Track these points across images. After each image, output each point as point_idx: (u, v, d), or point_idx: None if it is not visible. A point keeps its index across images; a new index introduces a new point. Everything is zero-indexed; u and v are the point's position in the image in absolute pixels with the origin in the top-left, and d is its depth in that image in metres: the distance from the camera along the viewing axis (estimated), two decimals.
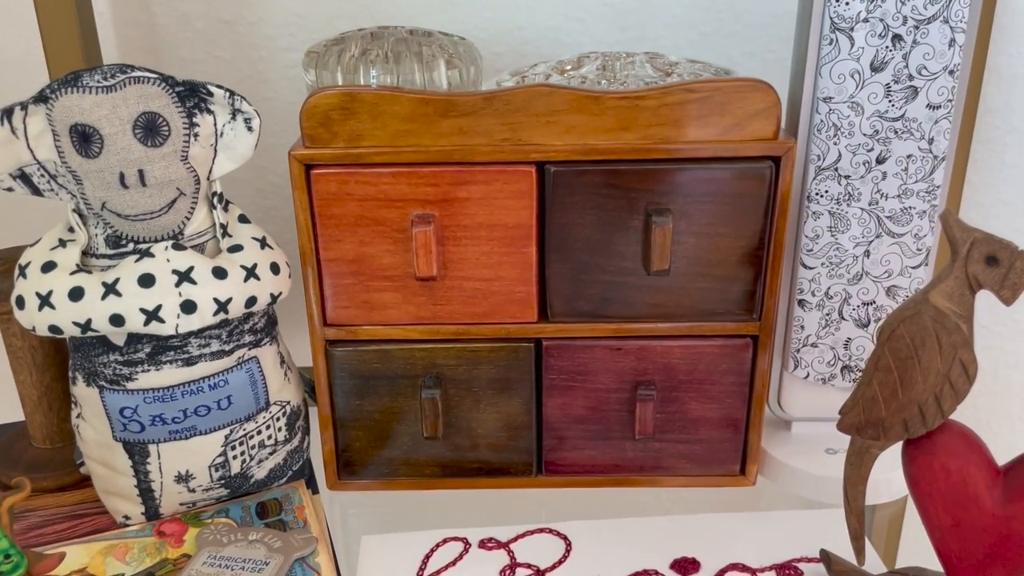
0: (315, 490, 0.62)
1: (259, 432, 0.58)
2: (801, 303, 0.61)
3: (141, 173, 0.49)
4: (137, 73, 0.49)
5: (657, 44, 0.76)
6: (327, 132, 0.54)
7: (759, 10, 0.75)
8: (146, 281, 0.50)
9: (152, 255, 0.51)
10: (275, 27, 0.76)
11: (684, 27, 0.76)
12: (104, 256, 0.52)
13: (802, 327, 0.62)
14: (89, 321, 0.50)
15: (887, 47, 0.55)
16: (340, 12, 0.76)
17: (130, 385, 0.53)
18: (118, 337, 0.52)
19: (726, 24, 0.75)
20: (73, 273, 0.51)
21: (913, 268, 0.60)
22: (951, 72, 0.55)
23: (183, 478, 0.56)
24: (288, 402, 0.59)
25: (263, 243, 0.55)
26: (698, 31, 0.76)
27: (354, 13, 0.76)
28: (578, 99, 0.53)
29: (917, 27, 0.54)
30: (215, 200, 0.54)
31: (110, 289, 0.50)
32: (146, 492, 0.57)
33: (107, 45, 0.76)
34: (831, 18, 0.54)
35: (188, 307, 0.51)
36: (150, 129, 0.49)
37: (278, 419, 0.59)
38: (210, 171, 0.53)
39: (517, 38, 0.76)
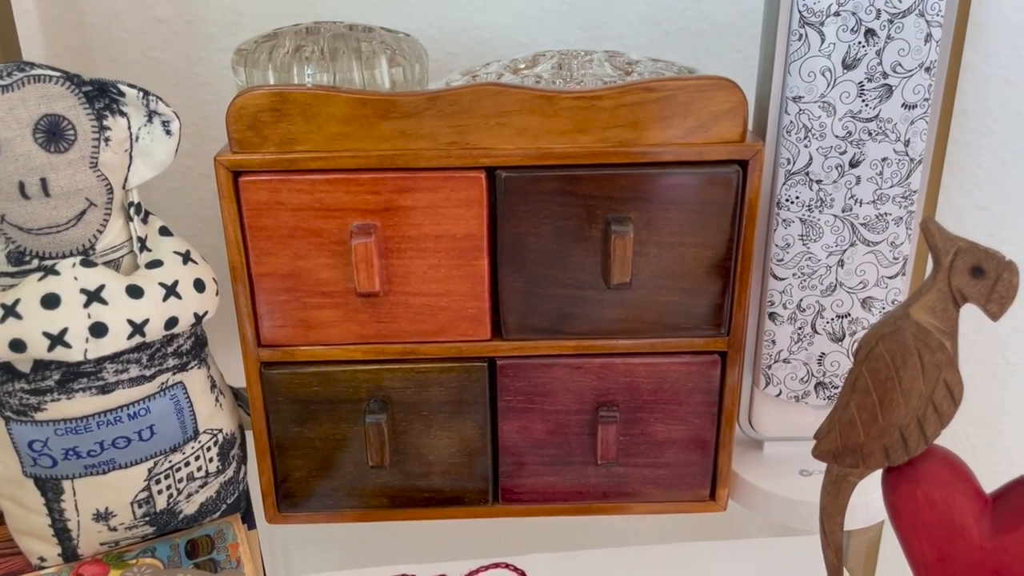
0: (252, 525, 0.57)
1: (187, 464, 0.53)
2: (772, 316, 0.57)
3: (44, 182, 0.45)
4: (37, 71, 0.44)
5: (619, 43, 0.72)
6: (256, 136, 0.50)
7: (725, 7, 0.72)
8: (50, 302, 0.45)
9: (57, 273, 0.46)
10: (214, 26, 0.71)
11: (647, 25, 0.72)
12: (5, 274, 0.47)
13: (773, 342, 0.58)
14: None
15: (860, 43, 0.51)
16: (284, 10, 0.71)
17: (39, 416, 0.48)
18: (23, 363, 0.47)
19: (691, 22, 0.72)
20: None
21: (890, 278, 0.56)
22: (927, 69, 0.52)
23: (102, 516, 0.51)
24: (220, 430, 0.55)
25: (186, 257, 0.50)
26: (662, 29, 0.72)
27: (299, 11, 0.71)
28: (530, 99, 0.49)
29: (891, 21, 0.51)
30: (132, 211, 0.49)
31: (9, 311, 0.45)
32: (62, 532, 0.52)
33: (32, 46, 0.72)
34: (800, 12, 0.51)
35: (98, 330, 0.46)
36: (53, 133, 0.44)
37: (209, 449, 0.54)
38: (125, 179, 0.48)
39: (472, 37, 0.72)
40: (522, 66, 0.57)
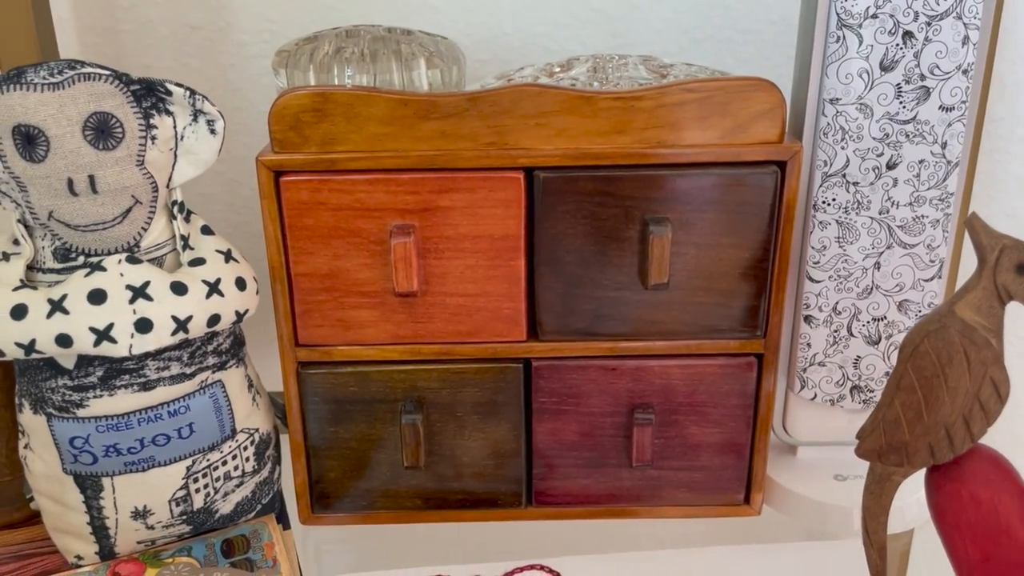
0: (286, 525, 0.57)
1: (224, 463, 0.53)
2: (807, 319, 0.57)
3: (92, 179, 0.45)
4: (87, 69, 0.45)
5: (648, 50, 0.73)
6: (298, 136, 0.50)
7: (754, 15, 0.72)
8: (97, 297, 0.46)
9: (104, 269, 0.46)
10: (246, 33, 0.72)
11: (676, 32, 0.73)
12: (52, 271, 0.47)
13: (809, 345, 0.58)
14: (33, 342, 0.46)
15: (897, 45, 0.51)
16: (316, 17, 0.72)
17: (81, 412, 0.48)
18: (67, 359, 0.48)
19: (720, 30, 0.72)
20: (16, 289, 0.46)
21: (926, 281, 0.56)
22: (965, 72, 0.52)
23: (140, 514, 0.52)
24: (256, 429, 0.55)
25: (228, 256, 0.51)
26: (690, 37, 0.73)
27: (331, 19, 0.72)
28: (569, 100, 0.50)
29: (929, 23, 0.51)
30: (175, 209, 0.49)
31: (56, 306, 0.45)
32: (100, 530, 0.52)
33: (68, 52, 0.73)
34: (838, 14, 0.51)
35: (143, 326, 0.46)
36: (102, 131, 0.45)
37: (245, 448, 0.54)
38: (170, 178, 0.49)
39: (502, 44, 0.73)
40: (557, 70, 0.58)
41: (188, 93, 0.47)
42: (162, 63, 0.73)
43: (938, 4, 0.50)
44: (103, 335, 0.46)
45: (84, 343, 0.46)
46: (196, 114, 0.48)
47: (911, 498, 0.57)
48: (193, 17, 0.72)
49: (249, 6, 0.71)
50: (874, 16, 0.51)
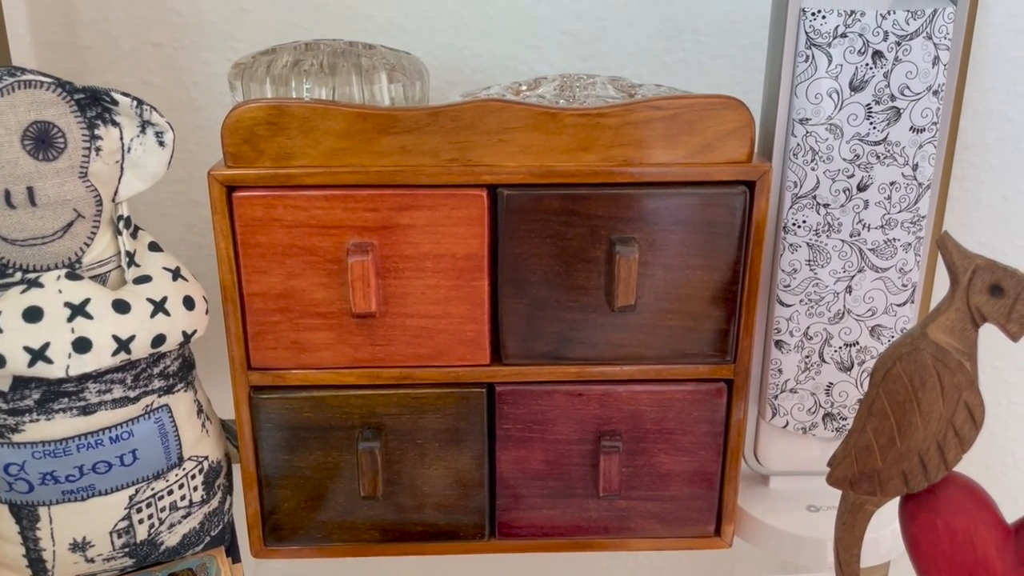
0: (236, 558, 0.55)
1: (170, 492, 0.51)
2: (778, 344, 0.56)
3: (31, 191, 0.43)
4: (28, 76, 0.43)
5: (619, 73, 0.72)
6: (252, 150, 0.48)
7: (726, 41, 0.71)
8: (32, 315, 0.43)
9: (41, 285, 0.44)
10: (210, 51, 0.71)
11: (647, 57, 0.72)
12: None
13: (780, 371, 0.57)
14: None
15: (867, 65, 0.50)
16: (281, 36, 0.71)
17: (16, 437, 0.46)
18: (1, 381, 0.45)
19: (691, 54, 0.72)
20: None
21: (899, 306, 0.55)
22: (935, 92, 0.51)
23: (79, 546, 0.49)
24: (206, 457, 0.52)
25: (176, 274, 0.49)
26: (661, 61, 0.72)
27: (296, 38, 0.71)
28: (534, 116, 0.48)
29: (899, 43, 0.50)
30: (121, 224, 0.47)
31: None
32: (36, 562, 0.49)
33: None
34: (807, 33, 0.50)
35: (81, 345, 0.44)
36: (42, 140, 0.43)
37: (193, 477, 0.52)
38: (115, 191, 0.47)
39: (472, 66, 0.72)
40: (524, 88, 0.57)
41: (135, 103, 0.46)
42: (124, 80, 0.71)
43: (907, 24, 0.50)
44: (38, 355, 0.43)
45: (18, 363, 0.43)
46: (144, 125, 0.47)
47: (886, 529, 0.56)
48: (155, 34, 0.70)
49: (213, 24, 0.70)
50: (843, 35, 0.50)
